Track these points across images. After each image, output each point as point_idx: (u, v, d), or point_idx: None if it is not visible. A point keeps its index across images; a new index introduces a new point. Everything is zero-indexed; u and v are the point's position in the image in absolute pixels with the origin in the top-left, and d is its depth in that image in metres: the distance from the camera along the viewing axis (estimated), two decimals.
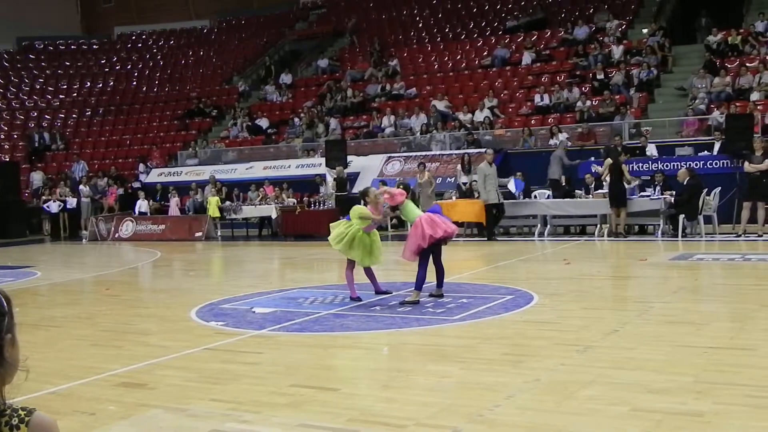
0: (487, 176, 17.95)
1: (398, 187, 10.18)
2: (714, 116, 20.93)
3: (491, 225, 18.15)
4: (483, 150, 22.24)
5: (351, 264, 10.07)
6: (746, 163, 16.32)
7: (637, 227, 18.20)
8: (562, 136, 21.41)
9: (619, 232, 16.97)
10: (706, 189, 16.50)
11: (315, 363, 6.98)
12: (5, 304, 1.91)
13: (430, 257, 9.60)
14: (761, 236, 15.69)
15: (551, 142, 21.24)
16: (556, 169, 19.63)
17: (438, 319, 8.63)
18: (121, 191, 26.86)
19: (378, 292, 10.25)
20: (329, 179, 22.37)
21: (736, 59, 23.32)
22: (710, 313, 8.72)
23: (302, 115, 28.46)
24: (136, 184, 27.43)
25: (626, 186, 17.03)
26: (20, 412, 1.87)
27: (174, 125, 32.65)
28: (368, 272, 10.23)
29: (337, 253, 10.32)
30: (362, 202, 10.30)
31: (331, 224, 10.46)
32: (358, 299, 9.90)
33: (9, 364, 1.87)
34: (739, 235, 15.94)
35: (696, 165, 18.25)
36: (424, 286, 9.60)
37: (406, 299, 9.57)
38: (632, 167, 18.25)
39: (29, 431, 1.85)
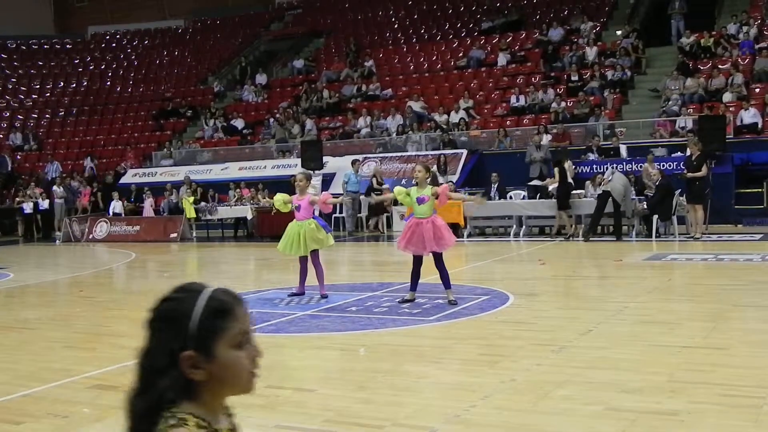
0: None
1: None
2: (684, 117, 21.15)
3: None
4: (458, 151, 22.32)
5: (305, 258, 10.26)
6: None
7: (611, 228, 18.31)
8: (546, 138, 21.23)
9: (571, 234, 17.37)
10: (679, 190, 16.64)
11: (291, 364, 6.97)
12: (226, 305, 1.75)
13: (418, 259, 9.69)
14: (699, 238, 15.88)
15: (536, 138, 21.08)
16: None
17: (414, 319, 8.64)
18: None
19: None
20: (315, 182, 22.08)
21: (708, 61, 23.55)
22: (684, 312, 8.80)
23: (278, 115, 28.39)
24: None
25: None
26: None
27: (148, 125, 32.41)
28: (303, 267, 10.33)
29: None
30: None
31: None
32: (302, 294, 10.30)
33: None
34: (691, 236, 16.19)
35: (669, 166, 18.42)
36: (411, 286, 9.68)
37: (449, 299, 9.46)
38: (605, 168, 18.38)
39: None
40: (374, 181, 21.37)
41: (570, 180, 18.36)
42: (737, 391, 5.42)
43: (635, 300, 9.47)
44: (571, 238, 17.28)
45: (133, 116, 33.72)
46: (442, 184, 10.16)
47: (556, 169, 17.99)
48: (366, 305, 9.63)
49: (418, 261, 9.55)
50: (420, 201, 9.47)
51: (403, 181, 21.96)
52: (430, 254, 9.46)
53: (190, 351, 1.70)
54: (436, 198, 9.47)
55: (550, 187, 18.12)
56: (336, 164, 23.66)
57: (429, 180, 9.75)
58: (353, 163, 21.85)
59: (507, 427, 4.93)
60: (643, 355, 6.57)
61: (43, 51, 40.18)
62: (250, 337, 1.79)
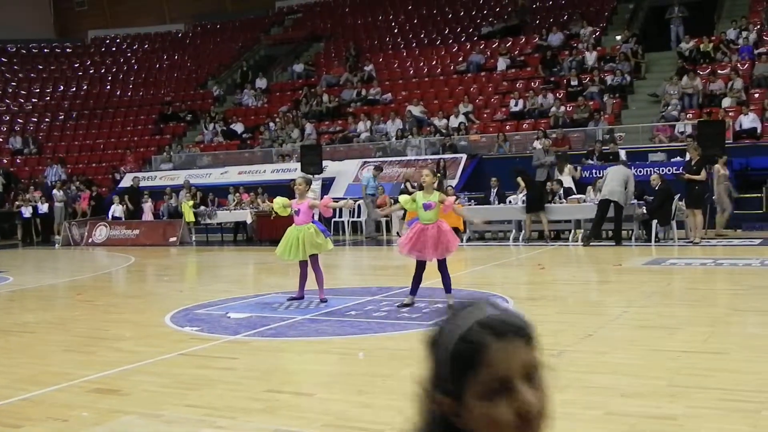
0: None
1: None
2: (684, 122, 21.18)
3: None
4: (458, 155, 22.33)
5: (305, 263, 10.25)
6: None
7: (611, 233, 18.31)
8: (547, 142, 21.20)
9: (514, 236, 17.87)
10: (678, 195, 16.64)
11: (290, 368, 6.97)
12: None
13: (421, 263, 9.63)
14: (698, 243, 15.88)
15: (536, 144, 21.11)
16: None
17: (413, 323, 8.63)
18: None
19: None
20: (315, 186, 22.08)
21: (707, 66, 23.57)
22: (683, 317, 8.80)
23: (278, 120, 28.42)
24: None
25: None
26: None
27: (148, 129, 32.45)
28: (302, 271, 10.33)
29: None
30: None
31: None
32: (301, 298, 10.31)
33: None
34: (690, 241, 16.19)
35: (668, 171, 18.44)
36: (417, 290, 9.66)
37: (450, 303, 9.40)
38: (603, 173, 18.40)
39: None
40: (408, 185, 21.20)
41: (571, 185, 18.45)
42: (736, 396, 5.42)
43: (634, 305, 9.47)
44: (518, 241, 17.78)
45: (132, 120, 33.75)
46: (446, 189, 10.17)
47: (518, 179, 18.43)
48: (365, 309, 9.63)
49: (421, 266, 9.52)
50: (426, 207, 9.42)
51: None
52: (434, 259, 9.46)
53: (445, 396, 1.42)
54: (442, 204, 9.46)
55: (519, 196, 18.25)
56: (335, 168, 23.66)
57: (435, 185, 9.74)
58: (376, 168, 21.84)
59: None
60: (643, 360, 6.57)
61: (43, 55, 40.18)
62: (513, 385, 1.40)
